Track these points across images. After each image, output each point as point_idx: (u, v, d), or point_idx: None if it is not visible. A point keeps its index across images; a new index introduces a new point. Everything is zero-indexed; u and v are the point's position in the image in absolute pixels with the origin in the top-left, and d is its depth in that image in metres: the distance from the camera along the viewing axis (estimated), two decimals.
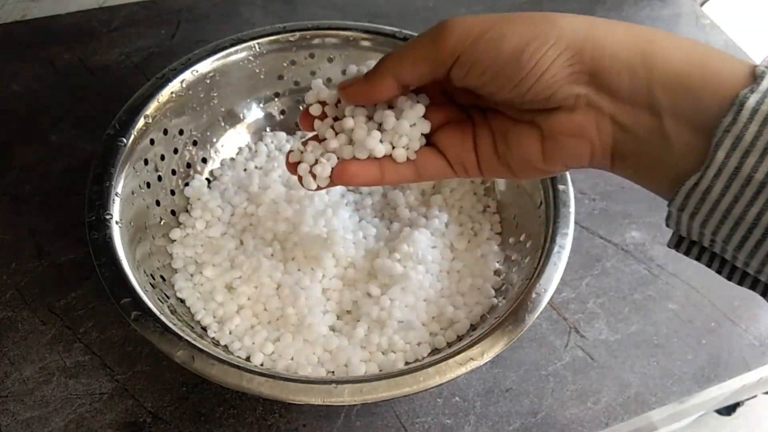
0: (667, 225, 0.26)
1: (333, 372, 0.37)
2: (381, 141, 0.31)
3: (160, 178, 0.42)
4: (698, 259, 0.27)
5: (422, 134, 0.31)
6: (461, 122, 0.31)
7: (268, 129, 0.49)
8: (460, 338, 0.38)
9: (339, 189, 0.45)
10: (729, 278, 0.26)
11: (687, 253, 0.27)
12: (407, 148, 0.31)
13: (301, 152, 0.33)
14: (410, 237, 0.41)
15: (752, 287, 0.26)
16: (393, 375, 0.31)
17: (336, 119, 0.33)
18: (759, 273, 0.24)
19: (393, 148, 0.31)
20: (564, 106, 0.26)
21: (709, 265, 0.27)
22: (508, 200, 0.45)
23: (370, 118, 0.32)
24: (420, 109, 0.31)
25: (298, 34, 0.47)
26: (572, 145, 0.27)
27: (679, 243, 0.27)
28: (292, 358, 0.37)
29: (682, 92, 0.23)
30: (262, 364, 0.37)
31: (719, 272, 0.27)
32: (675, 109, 0.24)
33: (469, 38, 0.26)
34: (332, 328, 0.39)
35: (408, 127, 0.31)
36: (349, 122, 0.31)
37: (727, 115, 0.22)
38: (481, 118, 0.30)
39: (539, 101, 0.26)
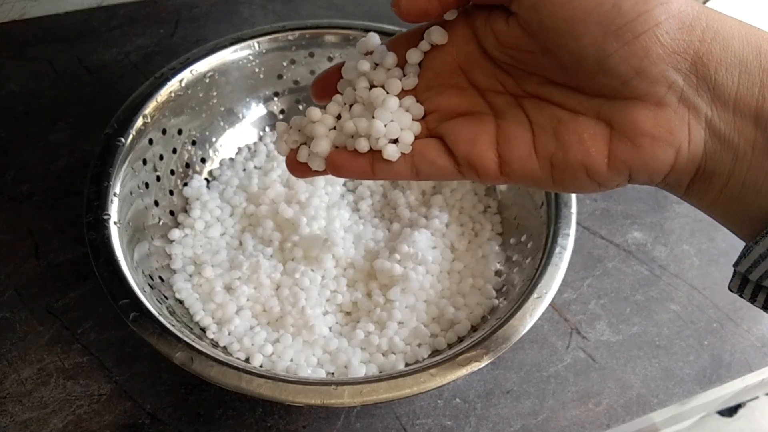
0: (736, 267, 0.21)
1: (333, 373, 0.37)
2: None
3: (158, 178, 0.42)
4: (764, 308, 0.22)
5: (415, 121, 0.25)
6: (480, 115, 0.24)
7: (267, 128, 0.49)
8: (460, 339, 0.38)
9: (339, 189, 0.45)
10: None
11: (752, 300, 0.23)
12: (396, 142, 0.25)
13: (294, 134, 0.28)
14: (410, 237, 0.41)
15: None
16: (393, 376, 0.31)
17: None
18: None
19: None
20: (649, 97, 0.20)
21: None
22: (509, 200, 0.45)
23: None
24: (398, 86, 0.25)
25: (297, 33, 0.47)
26: (652, 151, 0.20)
27: (743, 285, 0.22)
28: (291, 360, 0.37)
29: None
30: (261, 366, 0.37)
31: None
32: None
33: None
34: (332, 330, 0.39)
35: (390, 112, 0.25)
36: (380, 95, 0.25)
37: None
38: (515, 109, 0.23)
39: (621, 76, 0.20)
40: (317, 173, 0.27)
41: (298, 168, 0.27)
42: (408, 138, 0.25)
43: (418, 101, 0.25)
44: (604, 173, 0.22)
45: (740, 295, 0.22)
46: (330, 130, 0.27)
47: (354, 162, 0.25)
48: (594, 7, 0.19)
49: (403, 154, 0.25)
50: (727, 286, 0.22)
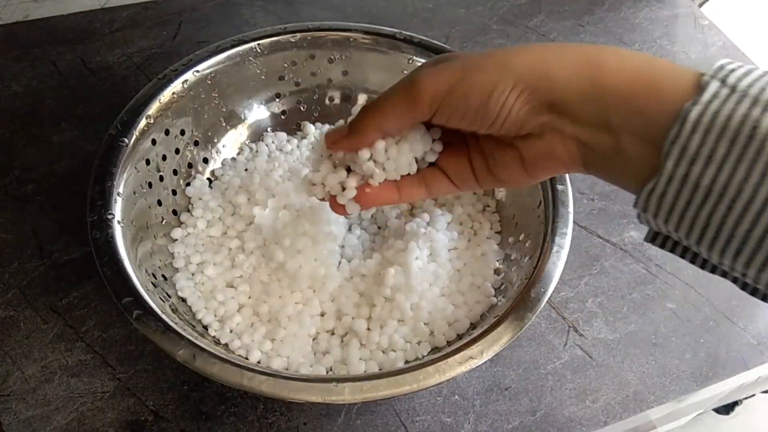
0: (640, 221, 0.28)
1: (332, 370, 0.37)
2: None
3: (161, 178, 0.42)
4: (672, 251, 0.28)
5: (423, 159, 0.34)
6: (457, 145, 0.34)
7: (269, 129, 0.49)
8: (459, 337, 0.38)
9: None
10: (702, 268, 0.28)
11: (662, 246, 0.29)
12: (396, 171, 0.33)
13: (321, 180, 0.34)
14: (410, 236, 0.41)
15: (723, 275, 0.27)
16: (393, 373, 0.32)
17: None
18: (722, 265, 0.26)
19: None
20: (533, 133, 0.29)
21: (682, 257, 0.28)
22: (508, 200, 0.45)
23: None
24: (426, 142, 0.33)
25: (298, 35, 0.47)
26: (546, 162, 0.30)
27: (654, 238, 0.29)
28: (288, 357, 0.38)
29: (632, 111, 0.26)
30: (259, 362, 0.37)
31: (693, 262, 0.28)
32: (628, 127, 0.26)
33: (439, 95, 0.29)
34: (332, 328, 0.40)
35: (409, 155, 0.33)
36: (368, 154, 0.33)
37: (673, 128, 0.24)
38: (474, 141, 0.33)
39: (512, 133, 0.30)
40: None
41: (340, 208, 0.35)
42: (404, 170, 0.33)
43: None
44: (528, 178, 0.32)
45: (654, 245, 0.29)
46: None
47: (383, 190, 0.34)
48: (474, 114, 0.29)
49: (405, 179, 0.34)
50: (643, 238, 0.30)
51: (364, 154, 0.32)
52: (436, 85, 0.29)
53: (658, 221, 0.26)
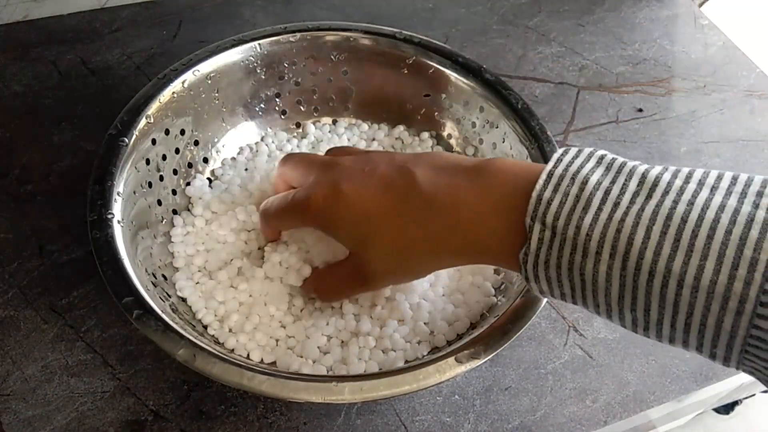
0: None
1: (332, 369, 0.37)
2: None
3: (161, 178, 0.42)
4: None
5: None
6: None
7: (269, 129, 0.49)
8: (459, 336, 0.38)
9: None
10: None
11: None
12: None
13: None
14: None
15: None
16: (393, 373, 0.32)
17: None
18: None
19: None
20: None
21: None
22: None
23: None
24: None
25: (299, 34, 0.47)
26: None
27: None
28: (290, 349, 0.38)
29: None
30: (262, 361, 0.37)
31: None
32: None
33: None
34: (333, 327, 0.40)
35: None
36: None
37: (521, 271, 0.29)
38: None
39: None
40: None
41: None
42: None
43: None
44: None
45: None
46: None
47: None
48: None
49: None
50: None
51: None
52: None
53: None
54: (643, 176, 0.26)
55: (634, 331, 0.27)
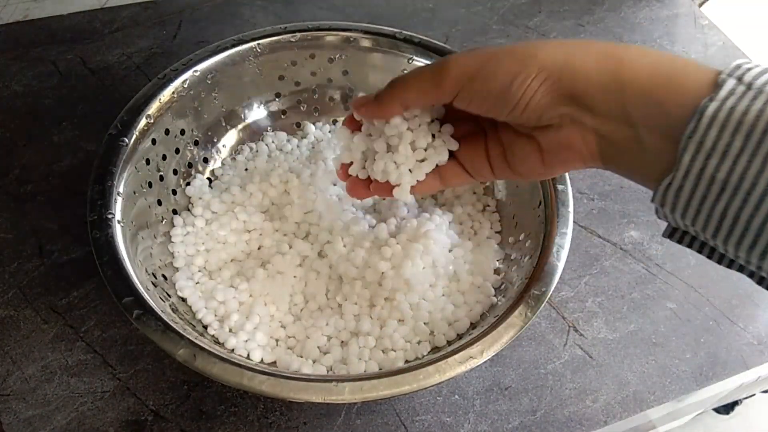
0: (658, 217, 0.29)
1: (332, 369, 0.37)
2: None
3: (161, 178, 0.42)
4: (690, 246, 0.29)
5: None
6: (475, 135, 0.35)
7: (269, 129, 0.49)
8: (459, 336, 0.38)
9: (335, 189, 0.46)
10: (719, 263, 0.28)
11: (680, 242, 0.29)
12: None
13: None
14: (410, 236, 0.41)
15: (740, 270, 0.28)
16: (393, 373, 0.32)
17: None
18: (738, 259, 0.26)
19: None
20: (553, 124, 0.29)
21: (700, 252, 0.29)
22: (508, 199, 0.45)
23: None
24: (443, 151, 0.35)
25: (299, 34, 0.47)
26: (564, 154, 0.30)
27: (672, 233, 0.29)
28: (290, 349, 0.38)
29: (652, 105, 0.26)
30: (262, 361, 0.37)
31: (710, 257, 0.28)
32: (647, 121, 0.27)
33: (465, 77, 0.30)
34: (333, 327, 0.40)
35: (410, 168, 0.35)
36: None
37: (690, 123, 0.25)
38: (492, 131, 0.34)
39: (531, 122, 0.30)
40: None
41: (360, 190, 0.37)
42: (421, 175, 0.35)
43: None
44: (544, 170, 0.32)
45: (672, 240, 0.29)
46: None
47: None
48: (495, 100, 0.30)
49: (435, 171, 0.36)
50: (662, 234, 0.29)
51: (395, 120, 0.34)
52: (462, 67, 0.30)
53: (675, 215, 0.26)
54: None
55: None
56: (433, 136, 0.35)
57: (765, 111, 0.23)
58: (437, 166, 0.35)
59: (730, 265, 0.28)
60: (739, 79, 0.24)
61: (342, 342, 0.39)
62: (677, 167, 0.25)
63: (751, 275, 0.27)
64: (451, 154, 0.35)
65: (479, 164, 0.34)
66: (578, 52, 0.28)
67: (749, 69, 0.25)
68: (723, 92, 0.24)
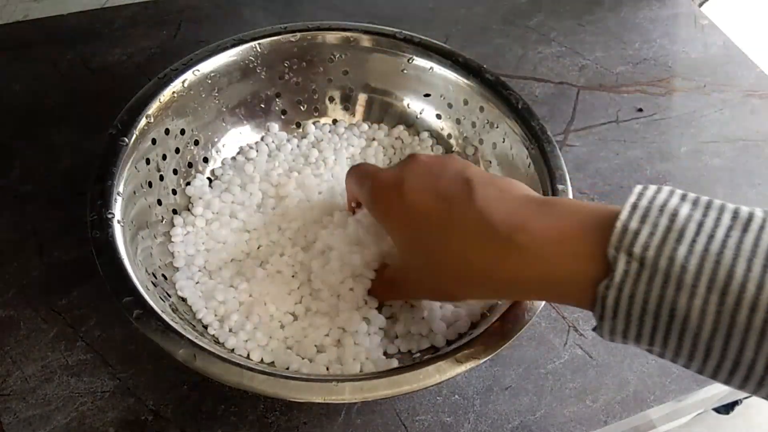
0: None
1: (329, 368, 0.37)
2: None
3: (161, 178, 0.42)
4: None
5: None
6: None
7: (269, 129, 0.49)
8: (460, 336, 0.38)
9: (337, 189, 0.46)
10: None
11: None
12: None
13: None
14: None
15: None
16: (393, 373, 0.32)
17: None
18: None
19: None
20: None
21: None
22: None
23: None
24: None
25: (299, 34, 0.47)
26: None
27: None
28: (289, 349, 0.37)
29: (555, 299, 0.30)
30: (262, 361, 0.37)
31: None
32: (558, 301, 0.30)
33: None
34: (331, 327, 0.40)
35: None
36: None
37: (596, 308, 0.26)
38: None
39: None
40: None
41: None
42: None
43: None
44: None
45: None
46: None
47: None
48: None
49: None
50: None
51: None
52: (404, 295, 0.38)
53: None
54: (735, 212, 0.25)
55: (713, 377, 0.25)
56: None
57: (665, 296, 0.24)
58: None
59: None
60: (629, 254, 0.24)
61: (338, 341, 0.39)
62: (600, 327, 0.27)
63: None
64: None
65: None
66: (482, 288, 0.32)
67: (637, 233, 0.25)
68: (617, 278, 0.25)
